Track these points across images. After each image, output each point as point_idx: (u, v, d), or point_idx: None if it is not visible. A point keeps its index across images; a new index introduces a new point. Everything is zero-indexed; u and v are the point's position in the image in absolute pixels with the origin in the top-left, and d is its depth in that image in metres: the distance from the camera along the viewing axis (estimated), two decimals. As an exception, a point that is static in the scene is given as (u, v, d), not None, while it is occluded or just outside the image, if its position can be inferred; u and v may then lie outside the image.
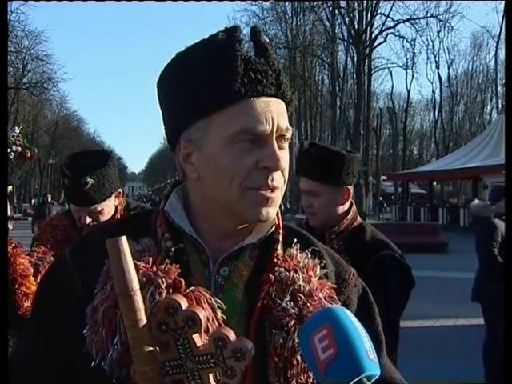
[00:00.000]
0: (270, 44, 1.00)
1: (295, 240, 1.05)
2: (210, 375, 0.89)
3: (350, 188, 2.21)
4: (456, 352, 6.78)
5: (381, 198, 42.53)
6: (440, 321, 8.36)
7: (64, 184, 2.30)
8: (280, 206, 1.05)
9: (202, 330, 0.89)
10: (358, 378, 0.80)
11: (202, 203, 1.02)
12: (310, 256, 1.03)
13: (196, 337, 0.88)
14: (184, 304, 0.88)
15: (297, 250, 1.04)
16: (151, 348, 0.88)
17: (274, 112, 0.96)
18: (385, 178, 44.92)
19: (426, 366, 6.09)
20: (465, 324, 8.24)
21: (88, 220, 2.29)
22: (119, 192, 2.40)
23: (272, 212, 0.99)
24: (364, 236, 2.20)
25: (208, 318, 0.90)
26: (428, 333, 7.80)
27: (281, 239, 1.04)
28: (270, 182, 0.96)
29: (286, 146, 1.00)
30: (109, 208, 2.32)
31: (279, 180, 0.98)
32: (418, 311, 8.83)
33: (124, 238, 0.88)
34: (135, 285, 0.88)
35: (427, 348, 6.92)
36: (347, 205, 2.23)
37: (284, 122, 0.98)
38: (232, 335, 0.87)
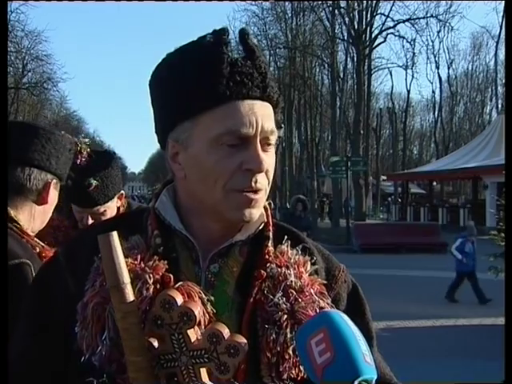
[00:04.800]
0: (258, 46, 1.01)
1: (286, 237, 1.06)
2: (204, 370, 0.90)
3: None
4: (456, 352, 6.79)
5: (389, 199, 42.37)
6: (440, 321, 8.37)
7: (67, 185, 2.30)
8: (270, 203, 1.08)
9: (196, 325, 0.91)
10: (356, 382, 0.80)
11: (189, 202, 1.04)
12: (300, 252, 1.05)
13: (191, 332, 0.90)
14: (180, 300, 0.90)
15: (287, 246, 1.05)
16: (143, 339, 0.90)
17: (259, 115, 0.97)
18: (385, 177, 44.90)
19: (426, 365, 6.10)
20: (465, 324, 8.26)
21: (90, 221, 2.29)
22: (122, 193, 2.41)
23: (255, 213, 1.00)
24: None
25: (199, 312, 0.92)
26: (428, 333, 7.81)
27: (271, 236, 1.06)
28: (253, 183, 0.97)
29: (270, 148, 1.01)
30: (111, 209, 2.32)
31: (263, 182, 0.99)
32: (418, 311, 8.85)
33: (115, 233, 0.91)
34: (126, 278, 0.90)
35: (427, 348, 6.93)
36: None
37: (269, 125, 0.99)
38: (226, 331, 0.89)
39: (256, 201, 0.99)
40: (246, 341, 0.89)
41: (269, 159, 1.00)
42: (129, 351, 0.89)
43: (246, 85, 0.97)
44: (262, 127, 0.97)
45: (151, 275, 0.95)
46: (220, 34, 0.98)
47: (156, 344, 0.90)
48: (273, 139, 1.01)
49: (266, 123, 0.98)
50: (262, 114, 0.98)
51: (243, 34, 1.00)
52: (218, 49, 0.96)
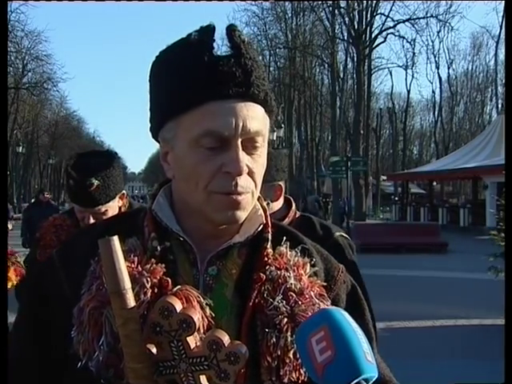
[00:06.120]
0: (246, 42, 0.97)
1: (284, 238, 1.04)
2: (203, 377, 0.89)
3: (281, 183, 2.30)
4: (456, 352, 6.79)
5: (396, 198, 42.10)
6: (440, 321, 8.36)
7: (69, 184, 2.31)
8: (268, 203, 1.06)
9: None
10: (356, 381, 0.79)
11: (180, 202, 1.03)
12: (299, 254, 1.03)
13: (190, 339, 0.88)
14: (179, 307, 0.88)
15: (286, 248, 1.03)
16: (143, 345, 0.88)
17: (240, 115, 0.94)
18: (385, 177, 44.87)
19: (426, 365, 6.10)
20: (465, 324, 8.25)
21: (92, 221, 2.29)
22: (123, 193, 2.41)
23: (240, 214, 0.98)
24: (309, 222, 2.28)
25: (199, 319, 0.90)
26: (428, 333, 7.80)
27: (270, 237, 1.04)
28: (234, 187, 0.95)
29: (257, 149, 0.98)
30: (113, 209, 2.32)
31: (245, 184, 0.96)
32: (418, 311, 8.83)
33: (116, 238, 0.89)
34: (127, 283, 0.89)
35: (427, 348, 6.92)
36: (281, 200, 2.33)
37: (253, 126, 0.95)
38: (226, 339, 0.87)
39: (239, 203, 0.96)
40: (246, 348, 0.88)
41: (254, 161, 0.97)
42: (129, 358, 0.88)
43: (227, 84, 0.93)
44: (243, 128, 0.94)
45: (149, 279, 0.94)
46: (204, 32, 0.96)
47: (155, 351, 0.89)
48: (259, 140, 0.97)
49: (249, 124, 0.94)
50: (244, 115, 0.94)
51: (230, 30, 0.97)
52: (199, 48, 0.94)
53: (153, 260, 0.97)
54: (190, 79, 0.94)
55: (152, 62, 1.02)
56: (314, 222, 2.28)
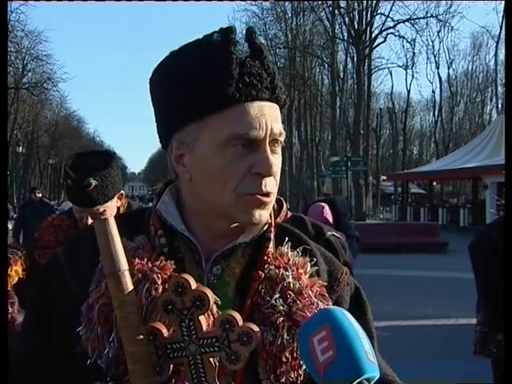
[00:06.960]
0: (265, 46, 0.99)
1: (286, 238, 1.05)
2: (211, 360, 0.87)
3: None
4: (456, 352, 6.78)
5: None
6: (440, 321, 8.36)
7: (67, 184, 2.31)
8: (274, 205, 1.07)
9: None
10: (358, 381, 0.79)
11: (193, 204, 1.02)
12: (300, 254, 1.03)
13: (202, 318, 0.87)
14: (193, 284, 0.87)
15: (288, 248, 1.04)
16: (140, 329, 0.87)
17: (268, 116, 0.95)
18: (384, 177, 44.88)
19: (426, 366, 6.10)
20: (465, 324, 8.25)
21: (90, 221, 2.29)
22: (122, 193, 2.41)
23: (265, 215, 0.99)
24: (301, 222, 2.28)
25: (213, 297, 0.90)
26: (428, 333, 7.80)
27: (273, 237, 1.05)
28: (263, 187, 0.96)
29: (278, 150, 1.00)
30: (111, 209, 2.32)
31: (272, 185, 0.98)
32: (418, 311, 8.85)
33: (111, 219, 0.89)
34: (123, 265, 0.88)
35: (427, 348, 6.93)
36: None
37: (277, 127, 0.97)
38: (239, 318, 0.86)
39: (266, 203, 0.98)
40: (258, 329, 0.87)
41: (277, 161, 0.98)
42: (127, 341, 0.87)
43: (256, 86, 0.94)
44: (271, 129, 0.95)
45: (159, 275, 0.94)
46: (228, 33, 0.95)
47: (165, 331, 0.87)
48: (281, 141, 0.99)
49: (275, 125, 0.96)
50: (271, 116, 0.96)
51: (250, 32, 0.97)
52: (226, 49, 0.94)
53: (162, 257, 0.97)
54: (219, 80, 0.93)
55: (161, 63, 1.00)
56: (305, 222, 2.28)
